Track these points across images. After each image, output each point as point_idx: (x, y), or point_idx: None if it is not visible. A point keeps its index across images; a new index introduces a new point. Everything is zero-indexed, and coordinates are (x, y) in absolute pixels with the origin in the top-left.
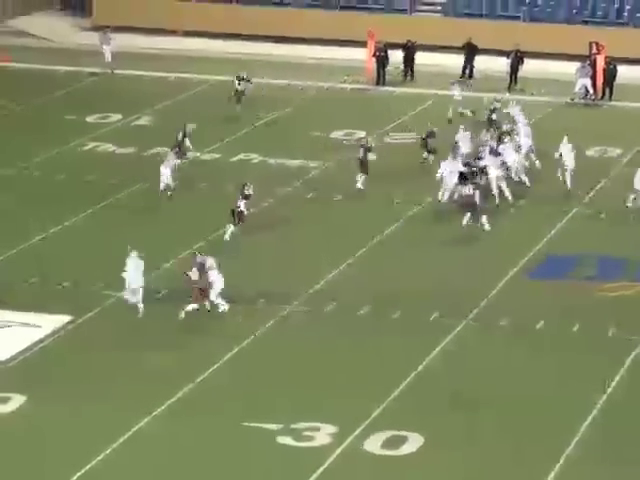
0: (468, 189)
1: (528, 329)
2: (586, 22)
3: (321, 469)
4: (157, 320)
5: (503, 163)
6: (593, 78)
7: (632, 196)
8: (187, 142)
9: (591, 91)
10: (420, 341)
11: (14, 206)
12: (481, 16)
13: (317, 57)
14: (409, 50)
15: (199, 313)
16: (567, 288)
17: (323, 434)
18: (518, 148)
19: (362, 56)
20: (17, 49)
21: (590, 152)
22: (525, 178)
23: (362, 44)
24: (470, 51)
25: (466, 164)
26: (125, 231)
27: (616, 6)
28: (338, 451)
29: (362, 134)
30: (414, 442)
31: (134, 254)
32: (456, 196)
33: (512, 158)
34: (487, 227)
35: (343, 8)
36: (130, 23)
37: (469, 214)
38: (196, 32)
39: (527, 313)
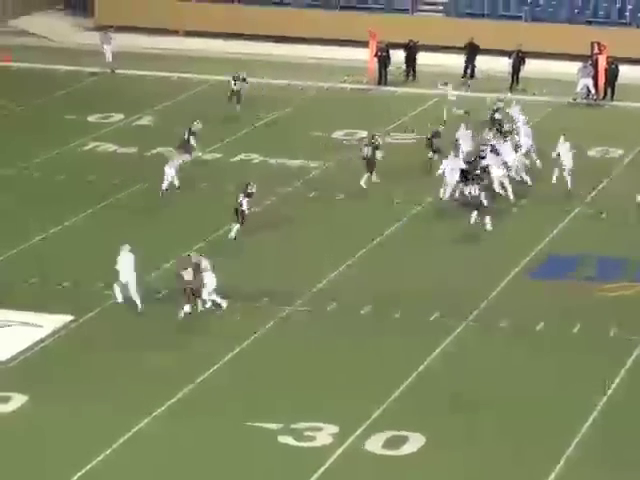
0: (474, 189)
1: (529, 329)
2: (588, 22)
3: (322, 469)
4: (157, 320)
5: (503, 163)
6: (595, 78)
7: None
8: (192, 141)
9: (593, 91)
10: (421, 341)
11: (15, 206)
12: (483, 16)
13: (317, 57)
14: (411, 50)
15: (199, 313)
16: (568, 288)
17: (324, 434)
18: (517, 147)
19: (362, 56)
20: (18, 49)
21: (592, 152)
22: (526, 177)
23: (362, 44)
24: (472, 51)
25: (469, 163)
26: (126, 231)
27: (618, 6)
28: (339, 451)
29: (363, 134)
30: (415, 442)
31: (126, 248)
32: (457, 194)
33: (511, 157)
34: (489, 227)
35: (343, 8)
36: (132, 23)
37: (476, 213)
38: (197, 32)
39: (528, 313)
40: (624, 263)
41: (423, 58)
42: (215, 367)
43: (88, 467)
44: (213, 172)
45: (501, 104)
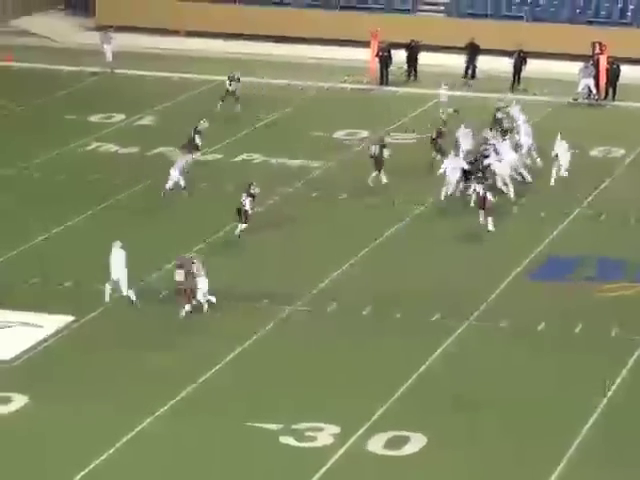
0: (478, 188)
1: (530, 330)
2: (589, 22)
3: (323, 469)
4: (159, 320)
5: (506, 161)
6: (596, 78)
7: None
8: (198, 139)
9: (594, 91)
10: (422, 342)
11: (16, 206)
12: (484, 16)
13: (317, 57)
14: (412, 50)
15: (201, 314)
16: (568, 289)
17: (325, 434)
18: (517, 146)
19: (362, 56)
20: (19, 49)
21: (593, 152)
22: (526, 174)
23: (362, 44)
24: (472, 51)
25: (472, 163)
26: (127, 231)
27: (619, 6)
28: (341, 451)
29: (364, 134)
30: (417, 442)
31: (117, 245)
32: (457, 193)
33: (510, 157)
34: (491, 228)
35: (343, 8)
36: (132, 23)
37: (483, 212)
38: (197, 32)
39: (529, 314)
40: (624, 264)
41: (424, 58)
42: (216, 367)
43: (90, 467)
44: (214, 172)
45: (502, 103)
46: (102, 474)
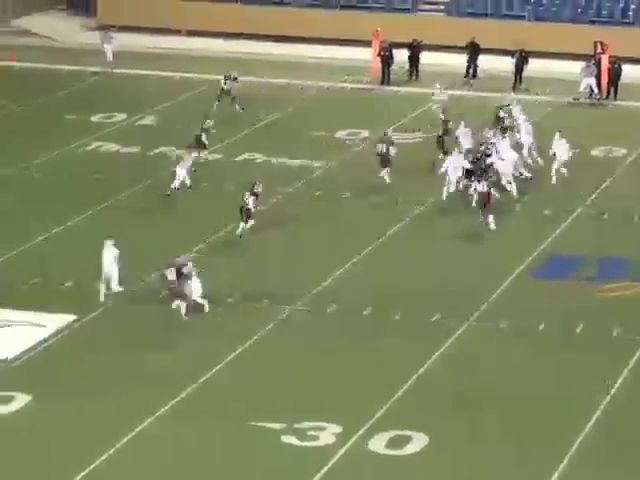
0: (482, 187)
1: (531, 329)
2: (591, 22)
3: (325, 469)
4: (160, 320)
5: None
6: (598, 77)
7: None
8: (204, 138)
9: (596, 91)
10: (423, 342)
11: (16, 206)
12: (485, 15)
13: (317, 57)
14: (414, 49)
15: (202, 314)
16: (570, 288)
17: (327, 434)
18: (517, 145)
19: (363, 55)
20: (21, 49)
21: (595, 152)
22: (524, 171)
23: (363, 43)
24: (473, 51)
25: (474, 161)
26: (128, 231)
27: (621, 5)
28: (342, 451)
29: (366, 134)
30: (418, 442)
31: (109, 243)
32: (453, 189)
33: (510, 155)
34: (492, 226)
35: (343, 7)
36: (134, 23)
37: (485, 210)
38: (197, 32)
39: (530, 314)
40: (626, 263)
41: (426, 58)
42: (218, 367)
43: (92, 467)
44: (215, 172)
45: (505, 102)
46: (103, 474)
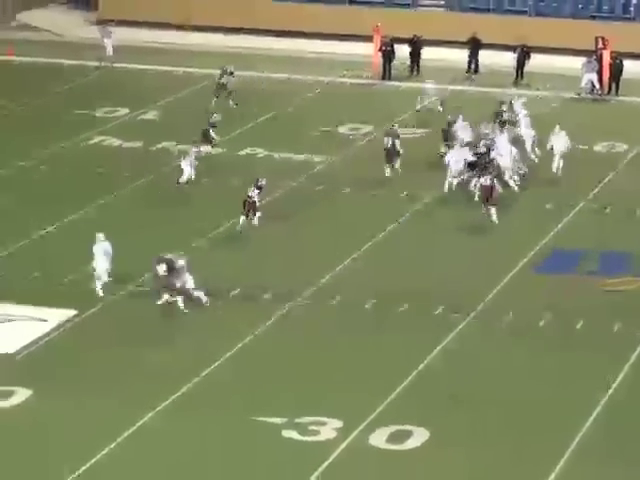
0: (485, 180)
1: (533, 325)
2: (592, 17)
3: (326, 463)
4: (161, 316)
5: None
6: (599, 73)
7: None
8: (212, 132)
9: (597, 86)
10: (425, 337)
11: (19, 201)
12: (486, 10)
13: (317, 51)
14: (415, 45)
15: (202, 309)
16: (572, 283)
17: (328, 428)
18: (519, 138)
19: (363, 50)
20: (21, 43)
21: (597, 147)
22: (522, 166)
23: (363, 38)
24: (475, 46)
25: (478, 155)
26: (130, 225)
27: (622, 1)
28: (343, 445)
29: (368, 129)
30: (419, 437)
31: (100, 238)
32: (456, 182)
33: (507, 150)
34: (495, 219)
35: (343, 2)
36: (136, 17)
37: (487, 203)
38: (198, 26)
39: (532, 308)
40: (628, 257)
41: (427, 53)
42: (218, 362)
43: (93, 461)
44: (217, 167)
45: (508, 97)
46: (104, 468)
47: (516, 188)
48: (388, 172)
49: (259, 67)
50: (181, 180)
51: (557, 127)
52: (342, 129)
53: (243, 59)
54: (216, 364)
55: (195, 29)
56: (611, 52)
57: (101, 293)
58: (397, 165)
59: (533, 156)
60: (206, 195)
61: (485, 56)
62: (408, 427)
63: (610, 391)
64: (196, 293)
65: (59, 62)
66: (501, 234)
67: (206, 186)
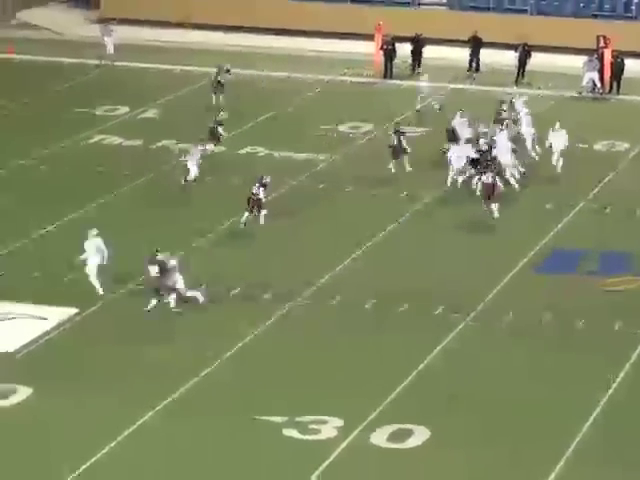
0: (487, 177)
1: (533, 325)
2: (594, 16)
3: (327, 462)
4: (161, 315)
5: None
6: (600, 72)
7: None
8: (220, 130)
9: (598, 85)
10: (425, 336)
11: (20, 200)
12: (487, 9)
13: (318, 50)
14: (417, 43)
15: (199, 309)
16: (572, 283)
17: (329, 427)
18: (520, 136)
19: (363, 49)
20: (21, 41)
21: (598, 146)
22: (519, 165)
23: (363, 37)
24: (476, 45)
25: (481, 152)
26: (130, 224)
27: (623, 0)
28: (344, 444)
29: (369, 127)
30: (420, 435)
31: (92, 233)
32: (461, 180)
33: (506, 148)
34: (496, 215)
35: (344, 1)
36: (138, 16)
37: (488, 201)
38: (198, 24)
39: (533, 308)
40: (629, 257)
41: (428, 52)
42: (219, 361)
43: (93, 460)
44: (218, 165)
45: (509, 96)
46: (105, 467)
47: (516, 186)
48: (393, 168)
49: (259, 65)
50: (188, 178)
51: (557, 124)
52: (342, 128)
53: (243, 57)
54: (216, 363)
55: (195, 27)
56: (612, 51)
57: (101, 292)
58: (406, 163)
59: (534, 154)
60: (207, 194)
61: (486, 55)
62: (409, 426)
63: (610, 391)
64: (190, 293)
65: (59, 60)
66: (501, 234)
67: (207, 185)
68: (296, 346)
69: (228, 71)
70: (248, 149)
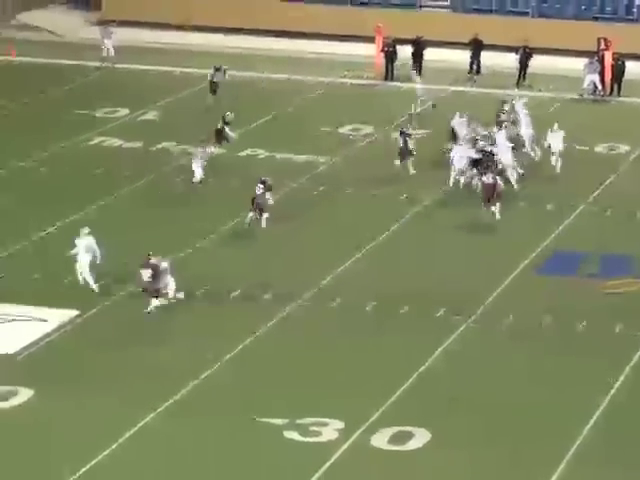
0: (488, 178)
1: (534, 326)
2: (595, 18)
3: (328, 464)
4: (161, 317)
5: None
6: (601, 74)
7: None
8: (227, 130)
9: (599, 87)
10: (426, 339)
11: (20, 202)
12: (489, 12)
13: (318, 52)
14: (419, 46)
15: (200, 310)
16: (573, 285)
17: (330, 429)
18: (519, 138)
19: (363, 51)
20: (21, 43)
21: (598, 148)
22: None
23: (364, 39)
24: (476, 47)
25: (484, 152)
26: (130, 226)
27: (625, 2)
28: (345, 446)
29: (369, 129)
30: (421, 438)
31: (84, 231)
32: (463, 180)
33: (505, 147)
34: (498, 216)
35: (345, 3)
36: (138, 18)
37: (489, 202)
38: (199, 27)
39: (534, 310)
40: (629, 259)
41: (429, 54)
42: (220, 363)
43: (94, 462)
44: (218, 168)
45: (508, 97)
46: (106, 468)
47: (515, 186)
48: (411, 170)
49: (259, 67)
50: (194, 180)
51: (555, 125)
52: (343, 130)
53: (243, 59)
54: (217, 365)
55: (195, 29)
56: (613, 53)
57: (96, 289)
58: (410, 165)
59: (533, 154)
60: (207, 196)
61: (487, 57)
62: (409, 428)
63: (611, 392)
64: (179, 295)
65: (59, 62)
66: (502, 236)
67: (207, 187)
68: (297, 348)
69: (224, 71)
70: (248, 151)
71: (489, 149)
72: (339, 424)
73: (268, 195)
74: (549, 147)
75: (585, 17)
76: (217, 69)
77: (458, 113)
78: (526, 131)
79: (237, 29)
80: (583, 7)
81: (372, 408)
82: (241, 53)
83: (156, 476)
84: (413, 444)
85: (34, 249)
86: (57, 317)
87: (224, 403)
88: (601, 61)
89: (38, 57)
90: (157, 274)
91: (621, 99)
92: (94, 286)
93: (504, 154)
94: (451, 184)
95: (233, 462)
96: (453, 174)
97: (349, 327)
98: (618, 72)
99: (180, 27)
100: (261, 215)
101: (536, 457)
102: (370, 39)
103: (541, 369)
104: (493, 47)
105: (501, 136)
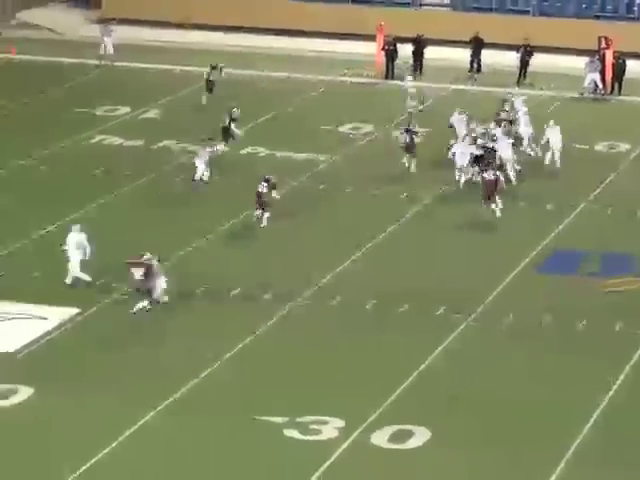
0: (489, 175)
1: (534, 325)
2: (596, 17)
3: (328, 463)
4: (161, 316)
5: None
6: (602, 73)
7: None
8: (233, 127)
9: (600, 86)
10: (425, 337)
11: (20, 200)
12: (490, 10)
13: (318, 50)
14: (419, 44)
15: (200, 309)
16: (573, 283)
17: (330, 428)
18: (516, 137)
19: (364, 50)
20: (21, 41)
21: (599, 147)
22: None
23: (364, 37)
24: (477, 45)
25: (486, 149)
26: (130, 225)
27: (626, 1)
28: (345, 445)
29: (369, 128)
30: (421, 436)
31: (76, 228)
32: (464, 178)
33: (507, 142)
34: (498, 214)
35: (345, 1)
36: (138, 16)
37: (489, 200)
38: (198, 25)
39: (534, 309)
40: (630, 258)
41: (430, 52)
42: (220, 362)
43: (94, 460)
44: (219, 166)
45: (510, 96)
46: (106, 467)
47: (514, 181)
48: (407, 162)
49: (259, 66)
50: (196, 177)
51: (551, 122)
52: (343, 128)
53: (243, 58)
54: (217, 364)
55: (195, 28)
56: (614, 52)
57: (89, 278)
58: (412, 164)
59: (532, 153)
60: (208, 194)
61: (488, 56)
62: (409, 427)
63: (611, 392)
64: (161, 299)
65: (59, 61)
66: (502, 234)
67: (208, 185)
68: (297, 346)
69: (220, 69)
70: (249, 149)
71: (490, 145)
72: (339, 422)
73: (274, 193)
74: (547, 142)
75: (586, 16)
76: (213, 67)
77: (457, 110)
78: (524, 129)
79: (237, 27)
80: (584, 6)
81: (372, 406)
82: (241, 51)
83: (156, 474)
84: (413, 443)
85: (34, 247)
86: (57, 315)
87: (224, 402)
88: (602, 60)
89: (38, 55)
90: (150, 273)
91: (622, 98)
92: (86, 277)
93: (504, 150)
94: (459, 181)
95: (233, 460)
96: (456, 171)
97: (349, 326)
98: (619, 71)
99: (180, 25)
100: (262, 214)
101: (536, 456)
102: (370, 37)
103: (541, 368)
104: (494, 45)
105: (499, 132)
